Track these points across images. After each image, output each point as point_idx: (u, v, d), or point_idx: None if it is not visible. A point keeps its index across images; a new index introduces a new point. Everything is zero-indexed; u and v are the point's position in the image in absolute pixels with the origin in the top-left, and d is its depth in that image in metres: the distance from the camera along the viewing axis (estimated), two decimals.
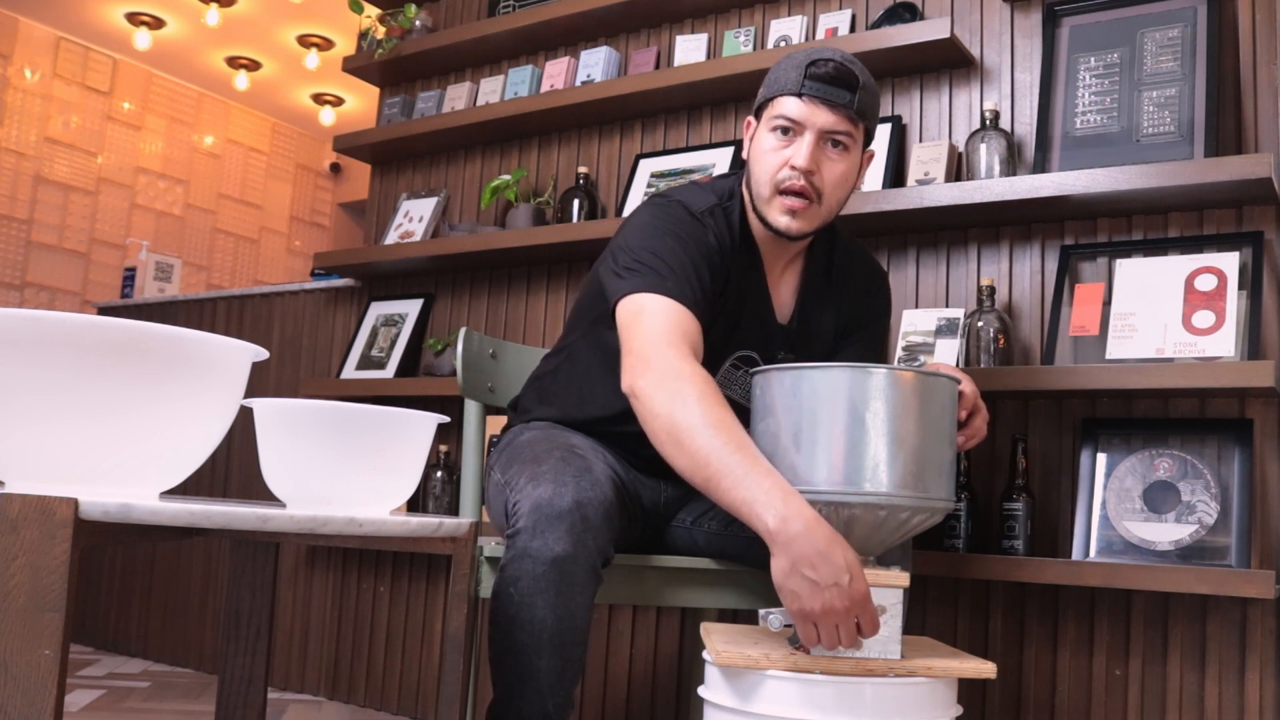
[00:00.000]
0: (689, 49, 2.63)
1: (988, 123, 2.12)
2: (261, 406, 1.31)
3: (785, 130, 1.60)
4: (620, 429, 1.75)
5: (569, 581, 1.44)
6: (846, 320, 1.79)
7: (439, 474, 2.74)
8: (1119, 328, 1.94)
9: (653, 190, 2.57)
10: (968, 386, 1.57)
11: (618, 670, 2.47)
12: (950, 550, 2.00)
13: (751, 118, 1.69)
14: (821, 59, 1.59)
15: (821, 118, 1.58)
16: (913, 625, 2.07)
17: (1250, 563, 1.79)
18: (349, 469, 1.29)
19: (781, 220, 1.62)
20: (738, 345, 1.71)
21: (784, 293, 1.76)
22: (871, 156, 1.70)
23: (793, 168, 1.59)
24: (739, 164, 2.46)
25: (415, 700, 2.76)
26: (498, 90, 2.95)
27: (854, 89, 1.58)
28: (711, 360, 1.71)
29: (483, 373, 1.95)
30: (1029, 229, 2.13)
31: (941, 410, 1.42)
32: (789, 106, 1.59)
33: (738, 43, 2.56)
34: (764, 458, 1.39)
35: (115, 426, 1.02)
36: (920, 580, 2.06)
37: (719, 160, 2.52)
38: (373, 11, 3.31)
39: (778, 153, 1.61)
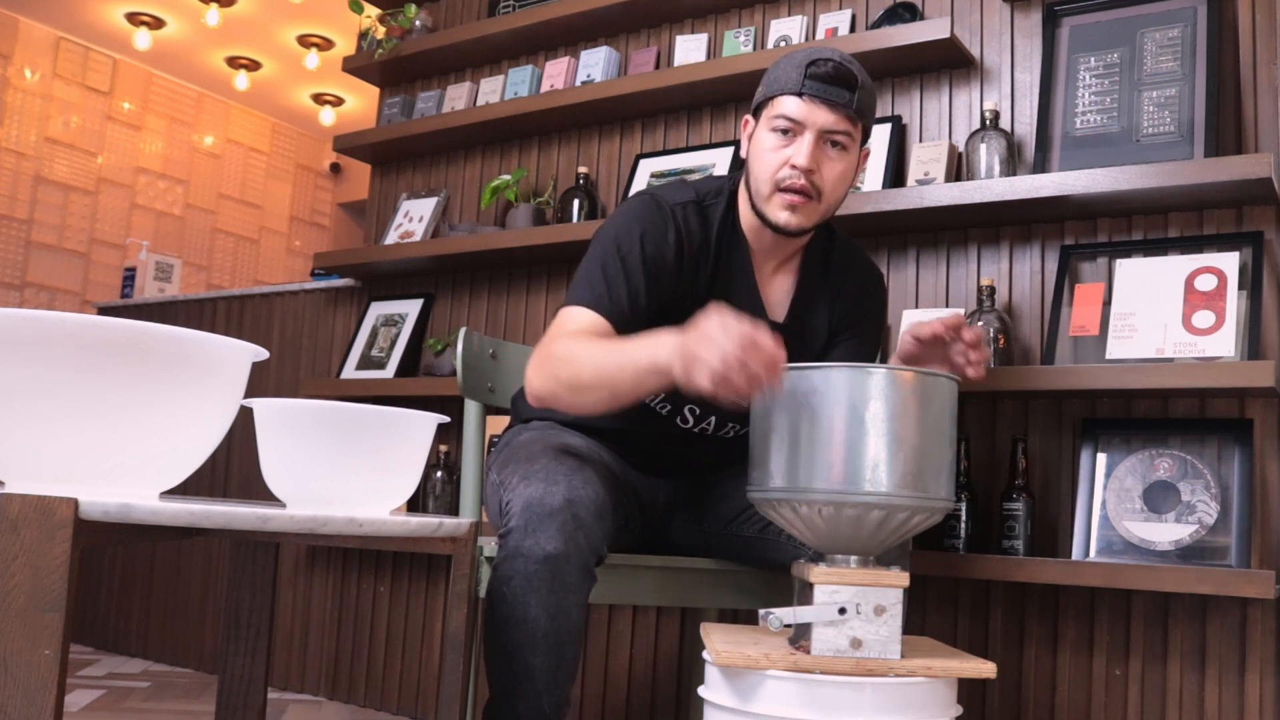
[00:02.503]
0: (689, 49, 2.63)
1: (988, 123, 2.12)
2: (261, 406, 1.31)
3: (785, 130, 1.60)
4: (616, 428, 1.75)
5: (561, 580, 1.45)
6: (840, 318, 1.79)
7: (439, 474, 2.74)
8: (1119, 328, 1.94)
9: None
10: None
11: (618, 670, 2.47)
12: (950, 550, 2.00)
13: (749, 116, 1.69)
14: (821, 58, 1.59)
15: (821, 117, 1.59)
16: (913, 625, 2.07)
17: (1250, 563, 1.79)
18: (349, 469, 1.29)
19: (782, 215, 1.62)
20: None
21: (777, 291, 1.76)
22: (868, 154, 1.71)
23: (793, 167, 1.60)
24: (738, 164, 2.46)
25: (415, 700, 2.77)
26: (498, 90, 2.95)
27: (853, 88, 1.59)
28: None
29: (483, 373, 1.95)
30: (1029, 229, 2.13)
31: (941, 410, 1.42)
32: (789, 106, 1.60)
33: (738, 43, 2.56)
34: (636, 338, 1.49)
35: (115, 426, 1.02)
36: (920, 580, 2.06)
37: (719, 160, 2.52)
38: (373, 11, 3.31)
39: (778, 152, 1.61)
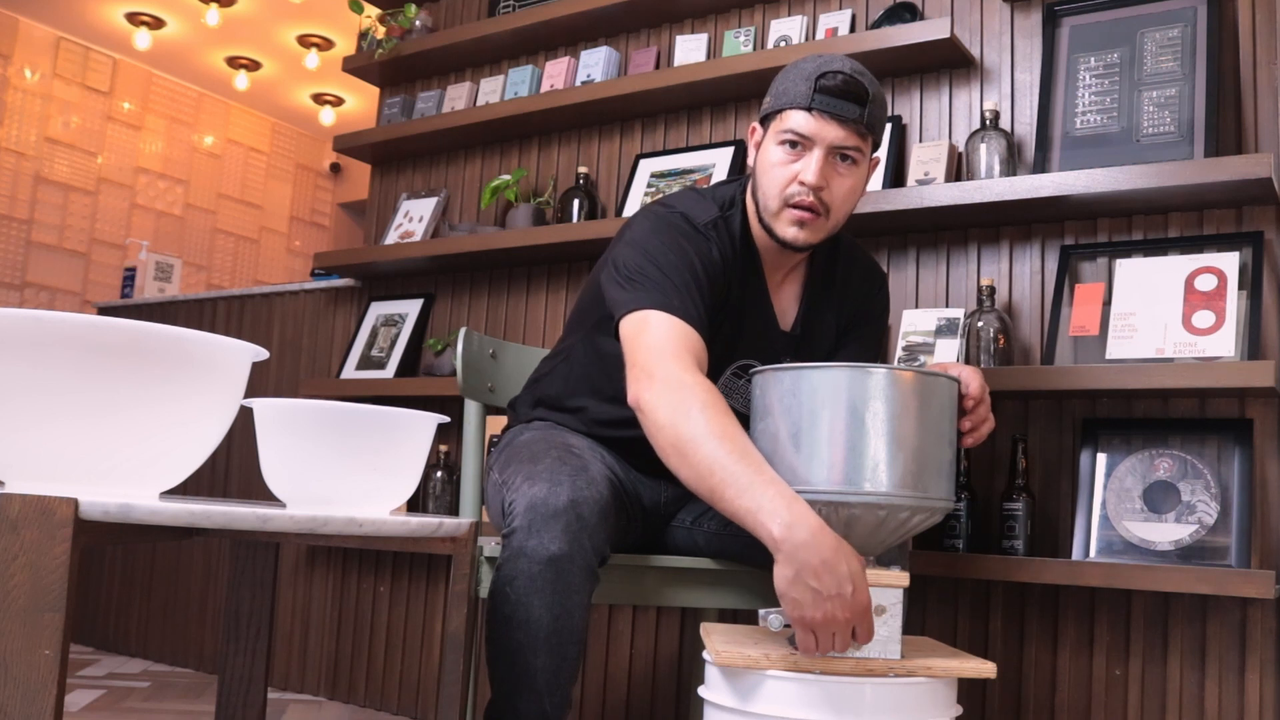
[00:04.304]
0: (689, 49, 2.63)
1: (988, 123, 2.12)
2: (261, 406, 1.31)
3: (794, 144, 1.58)
4: (617, 433, 1.75)
5: (564, 580, 1.44)
6: (846, 321, 1.79)
7: (439, 474, 2.74)
8: (1119, 328, 1.94)
9: (653, 190, 2.57)
10: (974, 380, 1.56)
11: (618, 670, 2.47)
12: (950, 550, 2.00)
13: (757, 124, 1.67)
14: (831, 70, 1.56)
15: (831, 133, 1.56)
16: (913, 625, 2.07)
17: (1250, 563, 1.79)
18: (349, 469, 1.29)
19: (790, 232, 1.61)
20: (739, 354, 1.71)
21: (786, 299, 1.75)
22: (876, 163, 1.69)
23: (802, 183, 1.58)
24: (740, 168, 2.46)
25: (415, 700, 2.77)
26: (498, 90, 2.95)
27: (864, 102, 1.56)
28: (713, 370, 1.70)
29: (483, 373, 1.95)
30: (1029, 229, 2.13)
31: (941, 410, 1.42)
32: (798, 121, 1.57)
33: (738, 43, 2.56)
34: (768, 466, 1.38)
35: (115, 426, 1.02)
36: (920, 580, 2.06)
37: (719, 160, 2.52)
38: (373, 11, 3.31)
39: (786, 167, 1.59)
